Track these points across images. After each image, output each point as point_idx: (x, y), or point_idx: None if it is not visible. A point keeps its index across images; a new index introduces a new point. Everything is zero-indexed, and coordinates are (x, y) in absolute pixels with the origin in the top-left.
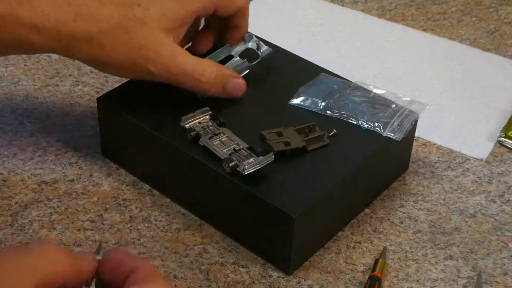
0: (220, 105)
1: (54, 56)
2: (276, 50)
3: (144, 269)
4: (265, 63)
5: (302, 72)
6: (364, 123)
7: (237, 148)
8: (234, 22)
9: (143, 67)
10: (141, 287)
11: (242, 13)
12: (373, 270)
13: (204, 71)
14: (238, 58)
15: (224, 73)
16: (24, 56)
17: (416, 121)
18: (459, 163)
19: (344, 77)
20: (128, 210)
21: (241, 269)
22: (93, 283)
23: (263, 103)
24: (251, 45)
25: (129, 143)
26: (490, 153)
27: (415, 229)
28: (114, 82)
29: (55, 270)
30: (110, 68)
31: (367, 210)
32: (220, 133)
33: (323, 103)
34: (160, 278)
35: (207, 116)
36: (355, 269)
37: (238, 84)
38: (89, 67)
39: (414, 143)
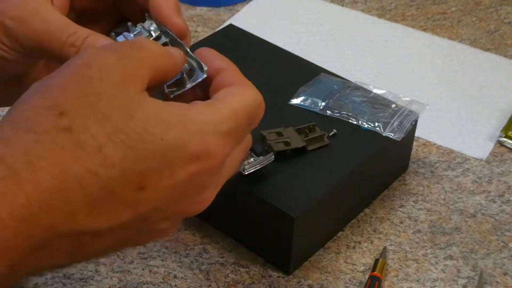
0: None
1: None
2: (276, 50)
3: (232, 71)
4: (265, 62)
5: (302, 72)
6: (364, 123)
7: None
8: None
9: None
10: (232, 89)
11: None
12: (373, 270)
13: (73, 33)
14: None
15: (97, 39)
16: None
17: (416, 121)
18: (459, 163)
19: (344, 77)
20: None
21: (241, 269)
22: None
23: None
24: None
25: None
26: (490, 153)
27: (415, 229)
28: None
29: (162, 61)
30: None
31: (367, 210)
32: None
33: (323, 103)
34: (248, 82)
35: None
36: (355, 269)
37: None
38: None
39: (414, 143)
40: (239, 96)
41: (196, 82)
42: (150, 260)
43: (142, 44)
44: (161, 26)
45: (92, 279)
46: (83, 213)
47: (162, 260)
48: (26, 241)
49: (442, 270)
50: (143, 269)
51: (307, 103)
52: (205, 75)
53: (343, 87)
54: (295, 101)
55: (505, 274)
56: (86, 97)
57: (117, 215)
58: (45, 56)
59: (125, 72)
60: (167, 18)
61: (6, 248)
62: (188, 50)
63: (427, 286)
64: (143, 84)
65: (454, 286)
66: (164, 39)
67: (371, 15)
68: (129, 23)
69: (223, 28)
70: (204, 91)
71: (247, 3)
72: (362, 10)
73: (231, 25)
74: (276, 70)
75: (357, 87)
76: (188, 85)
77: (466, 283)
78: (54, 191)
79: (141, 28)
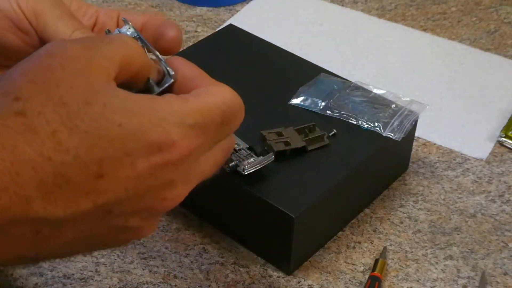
0: None
1: None
2: (276, 50)
3: (205, 76)
4: (265, 62)
5: (302, 72)
6: (364, 123)
7: (237, 148)
8: None
9: None
10: (208, 88)
11: None
12: (373, 270)
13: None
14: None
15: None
16: None
17: (416, 121)
18: (459, 163)
19: (344, 77)
20: None
21: (241, 269)
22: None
23: (263, 103)
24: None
25: None
26: (490, 153)
27: (415, 229)
28: None
29: (134, 55)
30: None
31: (367, 210)
32: None
33: (323, 103)
34: (225, 85)
35: None
36: (355, 269)
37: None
38: None
39: (414, 143)
40: (214, 94)
41: (164, 87)
42: (150, 260)
43: (114, 38)
44: (137, 32)
45: (92, 279)
46: (37, 199)
47: (162, 260)
48: None
49: (442, 270)
50: (143, 269)
51: (307, 103)
52: (172, 80)
53: (343, 87)
54: (295, 101)
55: (505, 274)
56: (44, 84)
57: (75, 203)
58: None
59: (89, 62)
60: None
61: None
62: (161, 57)
63: (427, 286)
64: (108, 75)
65: (454, 286)
66: (139, 44)
67: (371, 15)
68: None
69: (223, 28)
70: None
71: (247, 3)
72: (362, 10)
73: (231, 25)
74: (276, 70)
75: (357, 87)
76: (157, 90)
77: (466, 283)
78: (5, 173)
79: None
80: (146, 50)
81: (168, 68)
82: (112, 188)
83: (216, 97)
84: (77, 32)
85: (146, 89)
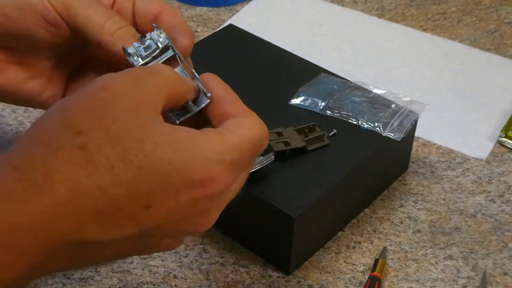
0: None
1: None
2: (276, 50)
3: (234, 99)
4: (265, 62)
5: (302, 72)
6: (364, 123)
7: None
8: None
9: None
10: (240, 120)
11: None
12: (373, 270)
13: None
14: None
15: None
16: None
17: (416, 121)
18: (459, 163)
19: (344, 77)
20: None
21: (241, 269)
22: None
23: (263, 103)
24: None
25: None
26: (490, 153)
27: (415, 229)
28: None
29: (177, 87)
30: None
31: (367, 210)
32: None
33: (323, 103)
34: (253, 113)
35: None
36: (355, 269)
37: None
38: None
39: (414, 143)
40: (246, 128)
41: (201, 107)
42: (150, 260)
43: (159, 71)
44: (168, 39)
45: (92, 279)
46: (92, 225)
47: (162, 260)
48: (42, 246)
49: (442, 270)
50: (143, 269)
51: (307, 103)
52: (208, 101)
53: (343, 87)
54: (295, 101)
55: (505, 274)
56: (102, 119)
57: (123, 229)
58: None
59: (140, 98)
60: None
61: (28, 252)
62: (193, 71)
63: (427, 286)
64: (156, 110)
65: (454, 286)
66: (171, 51)
67: (371, 15)
68: (139, 35)
69: (223, 28)
70: (202, 114)
71: (247, 3)
72: (362, 10)
73: (231, 25)
74: (276, 70)
75: (357, 87)
76: (195, 109)
77: (466, 283)
78: (68, 202)
79: (150, 40)
80: (180, 60)
81: (204, 89)
82: (156, 216)
83: (248, 132)
84: (110, 21)
85: (184, 108)
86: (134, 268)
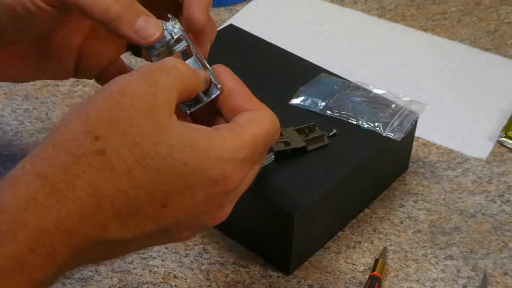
0: None
1: None
2: (276, 50)
3: (245, 92)
4: (265, 62)
5: (302, 72)
6: (364, 123)
7: None
8: None
9: None
10: (252, 115)
11: None
12: (373, 270)
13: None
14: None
15: (135, 5)
16: None
17: (416, 121)
18: (459, 163)
19: (344, 77)
20: None
21: (241, 269)
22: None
23: (263, 103)
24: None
25: None
26: (490, 153)
27: (415, 229)
28: None
29: (189, 81)
30: None
31: (367, 210)
32: None
33: (323, 103)
34: (265, 106)
35: None
36: (355, 269)
37: (152, 23)
38: None
39: (414, 143)
40: (259, 123)
41: (211, 98)
42: (150, 260)
43: (171, 67)
44: (182, 29)
45: (92, 279)
46: (112, 225)
47: (162, 260)
48: (68, 248)
49: (442, 270)
50: (143, 269)
51: (307, 103)
52: (218, 92)
53: (343, 87)
54: (295, 101)
55: (505, 274)
56: (119, 123)
57: (142, 227)
58: (81, 14)
59: (155, 100)
60: (189, 12)
61: (55, 255)
62: (205, 62)
63: (427, 286)
64: (171, 109)
65: (454, 286)
66: (185, 43)
67: (371, 15)
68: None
69: (223, 28)
70: (213, 104)
71: (247, 3)
72: (362, 10)
73: (231, 25)
74: (276, 70)
75: (357, 87)
76: (205, 100)
77: (466, 283)
78: (89, 206)
79: (165, 29)
80: (193, 51)
81: (215, 81)
82: (174, 214)
83: (261, 126)
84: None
85: (195, 98)
86: (134, 268)
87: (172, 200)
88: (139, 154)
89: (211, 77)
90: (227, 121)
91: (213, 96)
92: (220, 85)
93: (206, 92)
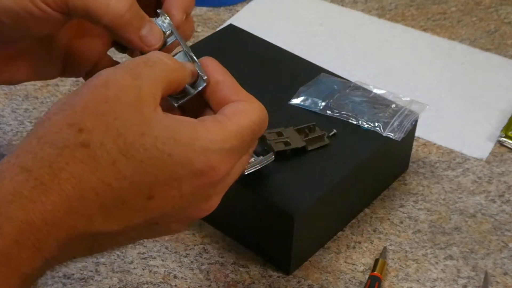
0: None
1: None
2: (276, 50)
3: (232, 83)
4: (265, 62)
5: (302, 72)
6: (364, 123)
7: None
8: None
9: None
10: (238, 105)
11: None
12: (373, 270)
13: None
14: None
15: (140, 12)
16: None
17: (416, 121)
18: (459, 163)
19: (344, 77)
20: None
21: (241, 269)
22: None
23: (263, 103)
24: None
25: None
26: (490, 153)
27: (415, 229)
28: None
29: (175, 74)
30: None
31: (367, 210)
32: None
33: (323, 103)
34: (252, 97)
35: None
36: (355, 269)
37: (156, 31)
38: None
39: (414, 143)
40: (245, 114)
41: (198, 90)
42: (150, 260)
43: (156, 60)
44: (171, 25)
45: (92, 279)
46: (98, 218)
47: (162, 260)
48: (55, 240)
49: (442, 270)
50: (143, 269)
51: (307, 103)
52: (205, 84)
53: (343, 87)
54: (295, 101)
55: (505, 274)
56: (103, 116)
57: (129, 220)
58: (87, 19)
59: (139, 93)
60: (167, 8)
61: (41, 248)
62: (193, 55)
63: (427, 286)
64: (156, 102)
65: (454, 286)
66: (173, 37)
67: (371, 15)
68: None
69: (223, 28)
70: (201, 96)
71: (247, 3)
72: (362, 10)
73: (231, 25)
74: (276, 70)
75: (357, 87)
76: (192, 92)
77: (466, 283)
78: (74, 198)
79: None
80: (182, 45)
81: (201, 73)
82: (160, 206)
83: (247, 117)
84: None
85: (182, 91)
86: (134, 268)
87: (158, 192)
88: (123, 145)
89: (197, 69)
90: (215, 113)
91: (200, 88)
92: (206, 77)
93: (194, 84)
